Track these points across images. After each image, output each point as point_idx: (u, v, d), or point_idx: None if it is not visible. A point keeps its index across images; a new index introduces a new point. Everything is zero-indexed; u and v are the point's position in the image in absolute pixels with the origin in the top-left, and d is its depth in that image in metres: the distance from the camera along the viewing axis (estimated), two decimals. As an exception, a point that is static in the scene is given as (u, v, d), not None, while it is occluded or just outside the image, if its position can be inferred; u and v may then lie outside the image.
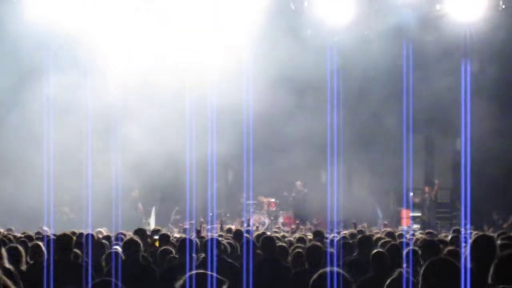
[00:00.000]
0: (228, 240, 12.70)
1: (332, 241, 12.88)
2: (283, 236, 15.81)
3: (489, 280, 5.55)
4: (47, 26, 24.50)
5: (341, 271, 5.97)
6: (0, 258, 8.95)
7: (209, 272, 5.78)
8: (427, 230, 18.00)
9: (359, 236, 12.83)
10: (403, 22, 25.40)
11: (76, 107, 25.03)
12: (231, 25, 25.33)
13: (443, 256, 6.92)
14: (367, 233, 15.84)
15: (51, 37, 24.58)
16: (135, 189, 27.97)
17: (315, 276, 5.86)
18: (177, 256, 11.20)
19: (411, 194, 26.97)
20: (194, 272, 5.78)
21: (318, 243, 11.03)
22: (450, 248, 10.10)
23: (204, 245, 10.82)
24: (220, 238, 11.62)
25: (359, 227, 19.20)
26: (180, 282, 5.80)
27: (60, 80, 24.69)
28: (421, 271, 5.72)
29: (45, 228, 17.24)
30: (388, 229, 17.67)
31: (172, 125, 25.34)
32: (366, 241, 11.97)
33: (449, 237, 14.43)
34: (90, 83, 24.39)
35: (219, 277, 5.75)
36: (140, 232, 13.57)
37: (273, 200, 28.61)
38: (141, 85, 25.44)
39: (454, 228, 17.97)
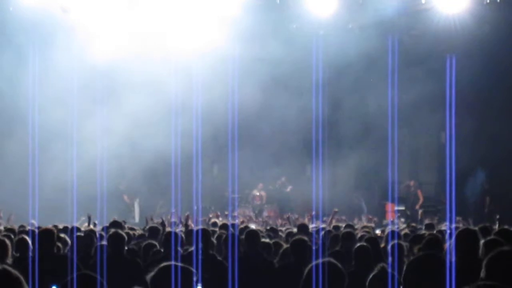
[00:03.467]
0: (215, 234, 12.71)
1: (317, 234, 12.94)
2: (273, 229, 15.79)
3: (482, 275, 5.58)
4: (31, 13, 24.52)
5: (332, 260, 5.92)
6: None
7: (177, 263, 5.78)
8: (427, 222, 18.12)
9: (344, 230, 12.88)
10: (388, 15, 25.44)
11: (60, 96, 24.99)
12: (216, 19, 25.33)
13: (426, 253, 6.92)
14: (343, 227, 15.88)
15: (36, 24, 24.58)
16: (122, 181, 27.98)
17: (306, 270, 5.81)
18: (161, 250, 11.21)
19: None
20: (163, 264, 5.80)
21: (303, 237, 11.06)
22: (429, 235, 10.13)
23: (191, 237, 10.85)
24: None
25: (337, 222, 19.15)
26: (151, 274, 5.82)
27: (44, 70, 24.64)
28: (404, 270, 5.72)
29: (32, 221, 17.18)
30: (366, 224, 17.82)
31: (157, 117, 25.34)
32: (350, 236, 12.05)
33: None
34: (75, 74, 24.35)
35: (188, 267, 5.75)
36: (116, 224, 13.57)
37: (264, 193, 28.84)
38: (127, 74, 25.41)
39: (426, 223, 18.09)
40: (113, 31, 25.39)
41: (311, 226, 15.63)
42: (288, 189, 28.88)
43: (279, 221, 24.16)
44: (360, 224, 19.92)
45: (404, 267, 5.73)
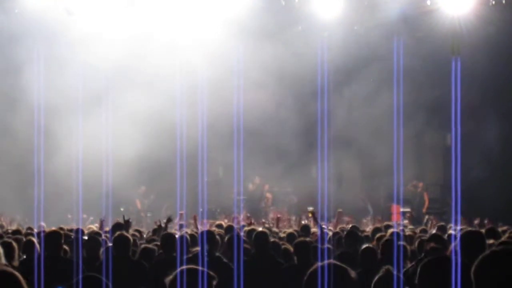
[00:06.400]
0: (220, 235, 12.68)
1: (322, 236, 12.91)
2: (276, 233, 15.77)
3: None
4: (37, 15, 24.65)
5: (335, 262, 5.89)
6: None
7: (200, 268, 5.76)
8: (440, 224, 18.00)
9: (346, 231, 12.88)
10: (394, 16, 25.44)
11: (66, 95, 25.03)
12: (221, 21, 25.32)
13: (439, 256, 6.89)
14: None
15: (41, 25, 24.67)
16: (141, 186, 28.06)
17: (308, 272, 5.77)
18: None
19: None
20: (184, 267, 5.77)
21: (307, 239, 11.05)
22: (432, 245, 10.01)
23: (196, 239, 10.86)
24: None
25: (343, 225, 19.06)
26: (170, 278, 5.79)
27: (48, 71, 24.68)
28: (418, 271, 5.70)
29: (42, 223, 17.22)
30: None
31: (162, 118, 25.32)
32: (353, 237, 12.03)
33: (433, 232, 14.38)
34: (80, 74, 24.40)
35: (210, 272, 5.73)
36: (120, 226, 13.54)
37: (270, 195, 28.80)
38: (131, 76, 25.48)
39: (439, 224, 17.97)
40: (117, 32, 25.40)
41: (313, 229, 15.59)
42: (266, 187, 28.87)
43: (284, 223, 24.09)
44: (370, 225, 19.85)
45: (418, 270, 5.71)
